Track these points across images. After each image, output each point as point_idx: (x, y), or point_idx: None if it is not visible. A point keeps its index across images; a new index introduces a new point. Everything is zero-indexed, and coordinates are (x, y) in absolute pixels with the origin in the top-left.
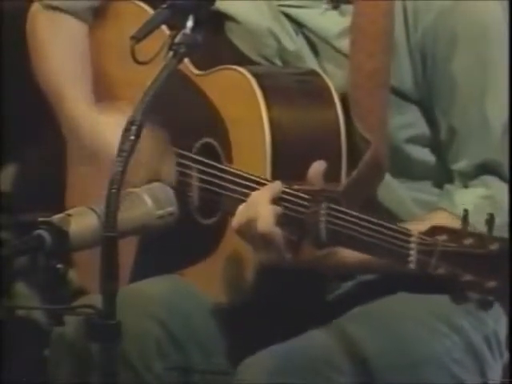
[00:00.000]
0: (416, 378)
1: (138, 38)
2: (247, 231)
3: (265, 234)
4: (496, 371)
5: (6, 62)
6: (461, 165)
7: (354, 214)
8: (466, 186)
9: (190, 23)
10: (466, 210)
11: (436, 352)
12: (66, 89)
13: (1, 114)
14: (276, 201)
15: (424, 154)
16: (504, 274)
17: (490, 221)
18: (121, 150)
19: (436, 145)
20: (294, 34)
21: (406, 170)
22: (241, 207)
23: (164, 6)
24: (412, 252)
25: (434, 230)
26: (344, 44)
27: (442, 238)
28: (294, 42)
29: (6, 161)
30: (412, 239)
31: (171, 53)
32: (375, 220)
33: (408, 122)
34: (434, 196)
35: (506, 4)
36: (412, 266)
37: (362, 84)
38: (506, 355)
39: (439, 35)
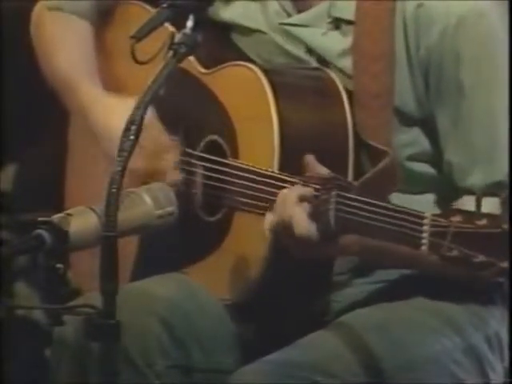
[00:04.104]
0: (417, 379)
1: (137, 38)
2: (282, 232)
3: (302, 235)
4: (498, 372)
5: (6, 62)
6: (469, 184)
7: (364, 200)
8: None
9: (190, 23)
10: (479, 194)
11: (436, 353)
12: (79, 81)
13: (1, 114)
14: (305, 199)
15: (425, 168)
16: None
17: (504, 202)
18: (121, 150)
19: (438, 159)
20: (301, 47)
21: (410, 185)
22: (269, 217)
23: (164, 5)
24: (424, 234)
25: (448, 212)
26: (345, 64)
27: (456, 219)
28: (297, 48)
29: (6, 161)
30: (425, 221)
31: (171, 52)
32: (386, 205)
33: (409, 141)
34: (438, 207)
35: (506, 4)
36: (424, 248)
37: (367, 105)
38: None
39: (444, 53)
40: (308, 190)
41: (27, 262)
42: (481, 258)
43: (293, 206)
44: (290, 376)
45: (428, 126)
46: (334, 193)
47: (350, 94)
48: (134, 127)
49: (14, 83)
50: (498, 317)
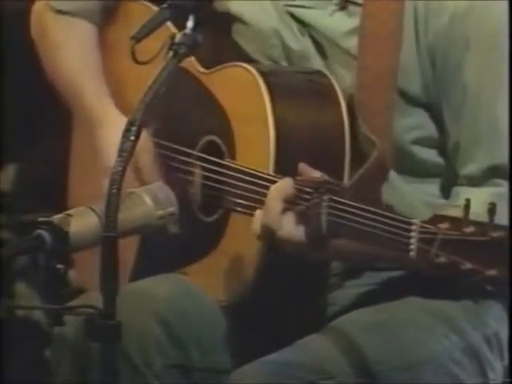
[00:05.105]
0: (415, 379)
1: (137, 38)
2: (268, 237)
3: (287, 239)
4: (497, 371)
5: (6, 62)
6: (470, 169)
7: (355, 205)
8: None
9: (190, 23)
10: (467, 200)
11: (435, 352)
12: (85, 85)
13: (1, 114)
14: (290, 199)
15: (431, 155)
16: (505, 261)
17: (492, 210)
18: (121, 151)
19: (443, 146)
20: (299, 34)
21: (414, 170)
22: (258, 213)
23: (164, 5)
24: (413, 240)
25: (436, 219)
26: (351, 45)
27: (444, 226)
28: (299, 42)
29: (6, 161)
30: (413, 227)
31: (171, 53)
32: (376, 210)
33: (414, 124)
34: (442, 196)
35: (506, 4)
36: (413, 254)
37: (368, 85)
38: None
39: (452, 39)
40: (291, 191)
41: (27, 262)
42: (468, 265)
43: (280, 206)
44: (287, 376)
45: (434, 111)
46: (326, 197)
47: (349, 97)
48: (134, 128)
49: (14, 83)
50: (497, 316)
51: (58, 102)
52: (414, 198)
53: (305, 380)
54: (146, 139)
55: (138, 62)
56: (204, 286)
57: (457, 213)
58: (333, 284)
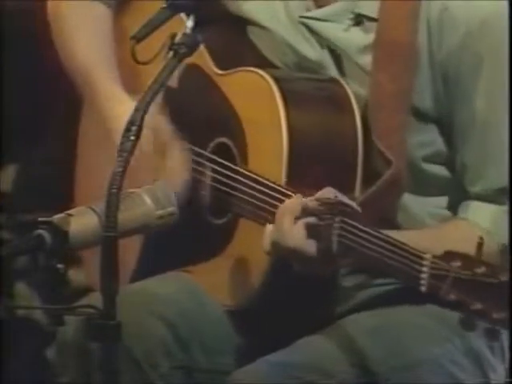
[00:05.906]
0: (415, 380)
1: (138, 38)
2: (278, 254)
3: (297, 250)
4: (499, 373)
5: (7, 61)
6: (479, 188)
7: (368, 230)
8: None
9: (189, 23)
10: (481, 238)
11: (437, 355)
12: (96, 69)
13: (1, 114)
14: (302, 213)
15: (441, 172)
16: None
17: (504, 250)
18: (121, 151)
19: (452, 162)
20: (317, 44)
21: (423, 186)
22: (268, 229)
23: (164, 5)
24: (424, 275)
25: (448, 256)
26: (366, 61)
27: (456, 264)
28: (316, 52)
29: (6, 161)
30: (425, 262)
31: (171, 53)
32: (389, 239)
33: (426, 141)
34: (449, 210)
35: (505, 4)
36: (423, 288)
37: (383, 104)
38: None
39: (464, 57)
40: (306, 203)
41: (27, 261)
42: (477, 305)
43: (291, 221)
44: (287, 376)
45: (444, 126)
46: (338, 218)
47: (364, 105)
48: (134, 128)
49: (14, 83)
50: None
51: (58, 101)
52: (420, 210)
53: (305, 380)
54: (171, 135)
55: (138, 62)
56: (209, 288)
57: (465, 226)
58: (340, 287)
